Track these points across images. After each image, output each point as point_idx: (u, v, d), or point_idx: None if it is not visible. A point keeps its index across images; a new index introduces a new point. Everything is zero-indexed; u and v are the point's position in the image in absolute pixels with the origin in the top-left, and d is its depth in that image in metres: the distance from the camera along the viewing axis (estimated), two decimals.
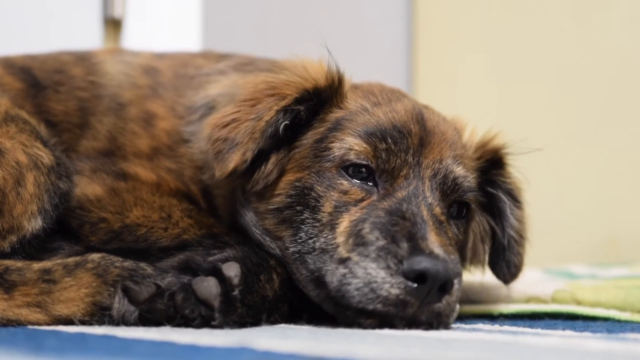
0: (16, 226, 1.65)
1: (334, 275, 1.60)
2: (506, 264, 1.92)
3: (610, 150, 3.76)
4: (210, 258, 1.62)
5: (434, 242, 1.57)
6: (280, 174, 1.74)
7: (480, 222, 1.93)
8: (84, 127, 2.00)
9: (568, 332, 1.62)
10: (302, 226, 1.69)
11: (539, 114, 3.93)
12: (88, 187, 1.83)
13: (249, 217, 1.79)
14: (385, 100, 1.80)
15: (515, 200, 1.92)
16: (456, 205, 1.77)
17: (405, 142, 1.70)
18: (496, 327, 1.73)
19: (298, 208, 1.71)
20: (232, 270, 1.57)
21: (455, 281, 1.58)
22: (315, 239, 1.67)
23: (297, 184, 1.72)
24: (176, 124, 1.98)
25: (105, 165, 1.90)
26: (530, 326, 1.78)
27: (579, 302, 2.09)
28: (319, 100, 1.77)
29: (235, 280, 1.57)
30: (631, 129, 3.73)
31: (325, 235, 1.66)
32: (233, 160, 1.68)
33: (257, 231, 1.78)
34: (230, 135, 1.71)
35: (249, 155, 1.68)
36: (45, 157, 1.73)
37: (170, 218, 1.77)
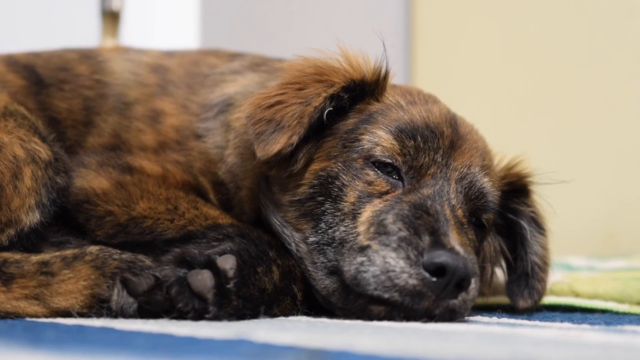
0: (14, 219, 1.65)
1: (351, 264, 1.60)
2: (529, 291, 1.91)
3: (609, 143, 3.76)
4: (207, 251, 1.61)
5: (455, 239, 1.59)
6: (306, 164, 1.75)
7: (491, 243, 1.93)
8: (89, 125, 2.00)
9: (566, 324, 1.63)
10: (323, 217, 1.70)
11: (538, 109, 3.93)
12: (95, 181, 1.83)
13: (271, 209, 1.80)
14: (422, 100, 1.81)
15: (540, 228, 1.93)
16: (474, 218, 1.77)
17: (436, 141, 1.71)
18: (494, 319, 1.74)
19: (319, 199, 1.71)
20: (227, 263, 1.57)
21: (473, 280, 1.59)
22: (335, 228, 1.67)
23: (322, 173, 1.73)
24: (187, 120, 1.98)
25: (111, 159, 1.90)
26: (529, 318, 1.79)
27: (577, 294, 2.10)
28: (360, 92, 1.78)
29: (230, 273, 1.56)
30: (630, 121, 3.73)
31: (346, 225, 1.66)
32: (279, 142, 1.68)
33: (278, 222, 1.78)
34: (276, 117, 1.70)
35: (295, 140, 1.68)
36: (43, 152, 1.73)
37: (176, 210, 1.77)
